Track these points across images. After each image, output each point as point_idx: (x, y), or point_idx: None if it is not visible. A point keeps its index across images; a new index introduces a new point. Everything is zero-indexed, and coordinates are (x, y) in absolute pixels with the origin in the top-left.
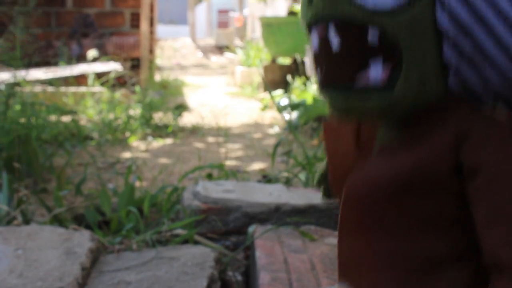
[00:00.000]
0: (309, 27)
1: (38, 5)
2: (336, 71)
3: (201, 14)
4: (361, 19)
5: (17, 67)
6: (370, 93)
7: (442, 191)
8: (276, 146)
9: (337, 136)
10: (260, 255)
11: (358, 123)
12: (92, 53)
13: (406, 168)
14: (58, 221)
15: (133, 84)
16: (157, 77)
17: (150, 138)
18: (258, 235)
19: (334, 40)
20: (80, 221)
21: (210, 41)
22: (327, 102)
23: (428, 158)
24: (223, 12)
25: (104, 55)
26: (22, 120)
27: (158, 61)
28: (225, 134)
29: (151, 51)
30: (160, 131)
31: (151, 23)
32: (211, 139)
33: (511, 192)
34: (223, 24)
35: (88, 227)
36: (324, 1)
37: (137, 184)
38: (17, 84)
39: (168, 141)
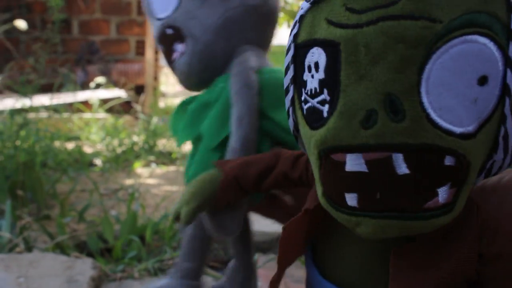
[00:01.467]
0: (346, 149)
1: (44, 31)
2: (398, 198)
3: None
4: (446, 147)
5: (24, 93)
6: (435, 216)
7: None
8: None
9: (293, 230)
10: (262, 285)
11: (310, 215)
12: (97, 80)
13: (445, 274)
14: (60, 248)
15: (137, 111)
16: (161, 104)
17: (153, 165)
18: (261, 265)
19: (401, 165)
20: (82, 248)
21: None
22: (360, 226)
23: (460, 260)
24: None
25: (109, 81)
26: (27, 146)
27: (163, 87)
28: None
29: (156, 78)
30: (163, 158)
31: (156, 51)
32: None
33: None
34: None
35: (90, 254)
36: (397, 127)
37: (140, 211)
38: (24, 110)
39: (172, 168)
